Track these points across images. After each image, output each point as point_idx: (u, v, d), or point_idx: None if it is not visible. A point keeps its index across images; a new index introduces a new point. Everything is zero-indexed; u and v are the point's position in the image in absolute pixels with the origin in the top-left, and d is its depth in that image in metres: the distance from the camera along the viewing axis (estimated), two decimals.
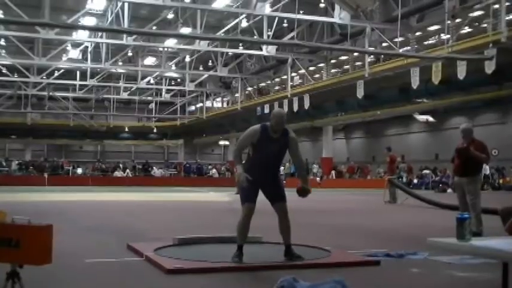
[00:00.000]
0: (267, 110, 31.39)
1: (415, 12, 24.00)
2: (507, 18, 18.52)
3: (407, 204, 16.86)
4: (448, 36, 20.77)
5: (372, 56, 26.05)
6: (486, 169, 32.03)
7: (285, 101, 30.08)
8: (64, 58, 34.48)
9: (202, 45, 28.09)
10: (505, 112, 33.10)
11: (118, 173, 38.28)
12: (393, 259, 6.47)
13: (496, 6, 18.35)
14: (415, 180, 34.20)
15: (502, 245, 3.27)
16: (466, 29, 23.72)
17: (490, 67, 17.82)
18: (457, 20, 21.54)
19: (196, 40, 27.56)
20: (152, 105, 46.58)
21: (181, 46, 31.30)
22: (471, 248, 3.39)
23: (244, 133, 6.20)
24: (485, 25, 21.69)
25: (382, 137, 43.51)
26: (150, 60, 40.51)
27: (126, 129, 49.96)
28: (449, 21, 20.12)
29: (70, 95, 41.76)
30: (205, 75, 39.50)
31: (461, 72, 18.71)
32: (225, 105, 46.02)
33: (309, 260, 6.11)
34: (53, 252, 4.36)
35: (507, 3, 18.34)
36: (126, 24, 23.24)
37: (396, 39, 21.67)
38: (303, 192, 6.17)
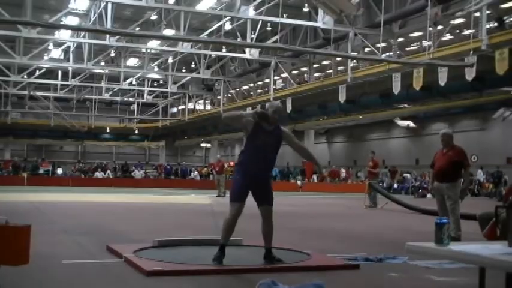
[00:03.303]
0: None
1: (397, 19, 24.21)
2: (487, 26, 18.76)
3: (387, 209, 16.95)
4: (430, 42, 20.98)
5: (354, 61, 26.21)
6: (480, 174, 32.37)
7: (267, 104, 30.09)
8: (46, 57, 34.24)
9: (185, 47, 28.08)
10: (484, 119, 33.48)
11: (99, 174, 38.00)
12: (372, 263, 6.50)
13: (477, 14, 18.57)
14: (395, 185, 34.44)
15: (480, 250, 3.29)
16: (448, 36, 23.99)
17: (470, 74, 18.02)
18: (439, 27, 21.76)
19: (179, 42, 27.52)
20: (134, 107, 46.38)
21: (164, 48, 31.24)
22: (449, 253, 3.42)
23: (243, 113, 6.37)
24: (466, 32, 21.94)
25: (363, 142, 43.77)
26: (132, 61, 40.36)
27: (108, 130, 49.69)
28: (431, 28, 20.31)
29: (51, 94, 41.44)
30: (188, 77, 39.48)
31: (442, 78, 18.90)
32: (207, 107, 45.98)
33: (288, 263, 6.11)
34: (30, 253, 4.32)
35: (488, 12, 18.58)
36: (109, 25, 23.13)
37: (379, 45, 21.84)
38: (320, 176, 6.21)
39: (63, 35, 29.11)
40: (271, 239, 6.15)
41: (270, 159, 6.12)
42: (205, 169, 41.93)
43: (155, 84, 44.96)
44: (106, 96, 41.74)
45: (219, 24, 27.37)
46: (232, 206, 6.01)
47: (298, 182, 36.29)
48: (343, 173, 38.86)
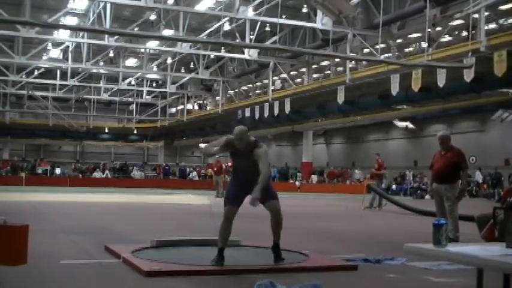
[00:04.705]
0: (248, 114, 31.38)
1: (396, 20, 24.21)
2: (486, 27, 18.76)
3: (385, 210, 16.96)
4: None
5: (353, 62, 26.21)
6: (478, 175, 32.38)
7: (266, 105, 30.10)
8: (44, 57, 34.18)
9: (184, 48, 28.05)
10: (483, 120, 33.50)
11: (97, 174, 38.00)
12: (371, 264, 6.50)
13: (476, 15, 18.58)
14: (394, 186, 34.44)
15: (477, 251, 3.30)
16: (446, 38, 23.99)
17: (469, 75, 18.02)
18: (438, 29, 21.75)
19: (178, 42, 27.49)
20: (133, 107, 46.30)
21: (163, 48, 31.20)
22: (447, 254, 3.42)
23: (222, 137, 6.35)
24: (464, 34, 21.96)
25: (362, 143, 43.78)
26: (131, 61, 40.31)
27: (106, 130, 49.63)
28: (429, 30, 20.31)
29: (50, 94, 41.30)
30: (187, 78, 39.44)
31: (441, 79, 18.90)
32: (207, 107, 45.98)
33: (287, 263, 6.11)
34: (28, 253, 4.32)
35: (486, 13, 18.59)
36: (108, 25, 23.09)
37: (377, 46, 21.84)
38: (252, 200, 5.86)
39: (62, 34, 29.05)
40: (279, 234, 6.19)
41: (253, 176, 6.00)
42: (209, 170, 41.89)
43: (154, 85, 44.88)
44: (105, 96, 41.66)
45: (218, 24, 27.33)
46: (224, 209, 6.10)
47: (297, 183, 36.29)
48: (357, 174, 38.73)
